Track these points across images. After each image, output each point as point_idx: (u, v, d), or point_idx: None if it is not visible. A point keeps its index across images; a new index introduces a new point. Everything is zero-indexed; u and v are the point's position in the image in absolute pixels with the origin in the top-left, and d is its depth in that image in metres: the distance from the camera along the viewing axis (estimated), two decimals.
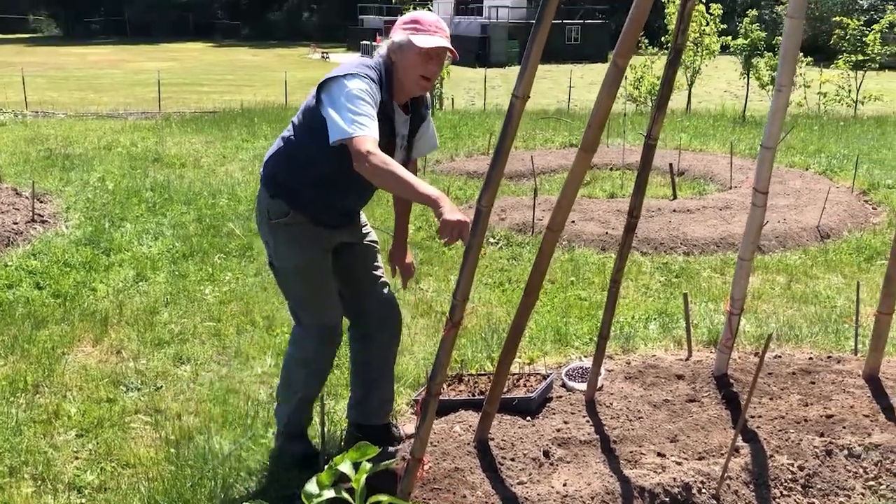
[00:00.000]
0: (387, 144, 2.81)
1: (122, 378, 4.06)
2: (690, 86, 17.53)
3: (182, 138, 11.95)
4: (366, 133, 2.61)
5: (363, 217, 3.22)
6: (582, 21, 42.61)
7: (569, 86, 18.75)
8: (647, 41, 17.82)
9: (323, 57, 40.87)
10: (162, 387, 3.99)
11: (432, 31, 2.80)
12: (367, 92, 2.68)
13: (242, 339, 4.56)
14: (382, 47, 2.88)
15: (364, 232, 3.19)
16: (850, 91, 17.26)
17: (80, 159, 9.89)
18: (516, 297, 5.25)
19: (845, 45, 17.47)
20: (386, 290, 3.22)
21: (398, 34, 2.82)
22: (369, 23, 45.85)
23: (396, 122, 2.90)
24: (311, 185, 2.91)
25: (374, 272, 3.20)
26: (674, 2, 16.42)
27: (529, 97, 2.45)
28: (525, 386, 3.67)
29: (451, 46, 2.82)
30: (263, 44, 52.03)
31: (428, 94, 3.08)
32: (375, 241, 3.24)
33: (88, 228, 6.68)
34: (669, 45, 3.22)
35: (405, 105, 2.94)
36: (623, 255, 3.34)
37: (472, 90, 22.99)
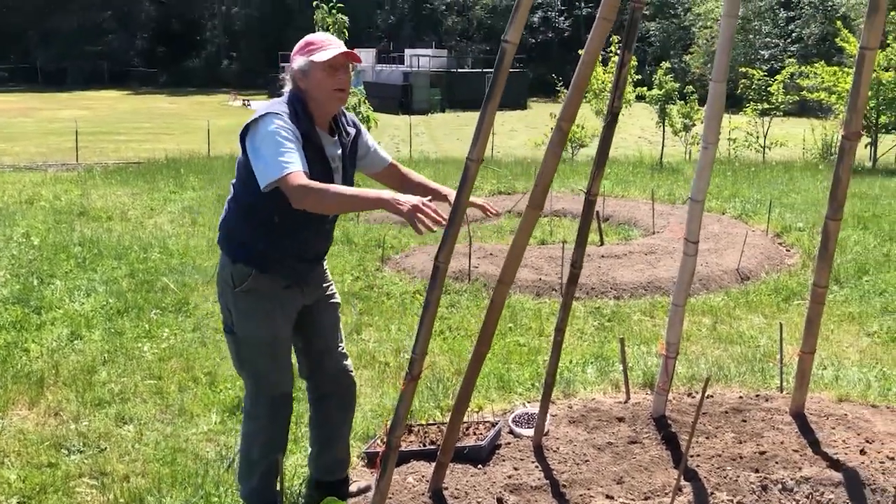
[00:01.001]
0: (322, 171, 2.84)
1: (63, 441, 3.97)
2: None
3: (107, 190, 11.73)
4: (292, 169, 2.64)
5: (328, 273, 3.24)
6: None
7: (492, 133, 19.18)
8: (565, 89, 18.48)
9: (244, 104, 40.68)
10: (106, 448, 3.91)
11: (327, 45, 2.85)
12: (283, 128, 2.72)
13: (185, 397, 4.52)
14: (287, 83, 2.92)
15: (330, 292, 3.21)
16: (758, 137, 18.24)
17: (1, 214, 9.61)
18: (457, 344, 5.37)
19: (751, 93, 18.51)
20: (345, 361, 3.25)
21: (297, 61, 2.86)
22: None
23: (325, 146, 2.92)
24: (268, 236, 2.91)
25: (336, 337, 3.23)
26: (599, 59, 17.10)
27: (483, 160, 2.59)
28: (474, 434, 3.76)
29: (350, 51, 2.87)
30: (181, 91, 51.48)
31: (352, 114, 3.09)
32: (339, 302, 3.28)
33: (16, 286, 6.50)
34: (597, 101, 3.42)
35: (329, 128, 2.97)
36: (567, 305, 3.49)
37: (396, 137, 23.31)
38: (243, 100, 41.75)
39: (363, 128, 3.16)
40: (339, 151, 2.99)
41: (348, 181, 3.03)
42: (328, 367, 3.21)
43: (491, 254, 7.56)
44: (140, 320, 5.80)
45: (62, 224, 9.11)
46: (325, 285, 3.20)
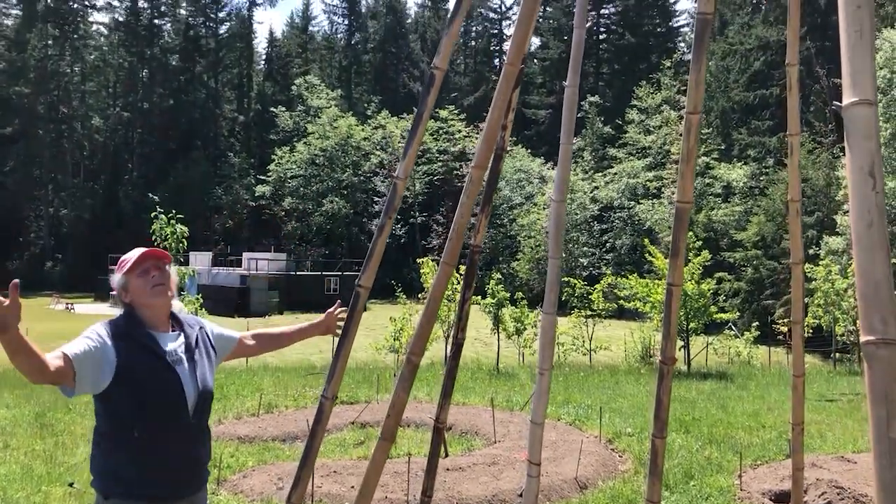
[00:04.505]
0: (153, 367, 2.86)
1: None
2: (447, 339, 18.76)
3: None
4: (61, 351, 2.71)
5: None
6: (340, 273, 44.70)
7: (333, 338, 19.23)
8: (403, 294, 19.16)
9: (67, 308, 38.72)
10: None
11: (133, 255, 3.05)
12: (86, 332, 2.82)
13: None
14: (116, 303, 3.08)
15: None
16: (584, 341, 19.40)
17: None
18: None
19: (574, 301, 19.88)
20: None
21: (115, 282, 3.05)
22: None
23: (163, 344, 2.95)
24: (135, 456, 2.81)
25: None
26: (427, 263, 17.96)
27: (337, 397, 2.66)
28: None
29: (152, 248, 3.07)
30: None
31: (189, 316, 3.19)
32: None
33: None
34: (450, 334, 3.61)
35: (171, 325, 3.06)
36: None
37: None
38: (66, 303, 39.79)
39: (205, 321, 3.29)
40: (184, 344, 3.04)
41: (202, 371, 3.04)
42: None
43: (335, 471, 7.37)
44: None
45: None
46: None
